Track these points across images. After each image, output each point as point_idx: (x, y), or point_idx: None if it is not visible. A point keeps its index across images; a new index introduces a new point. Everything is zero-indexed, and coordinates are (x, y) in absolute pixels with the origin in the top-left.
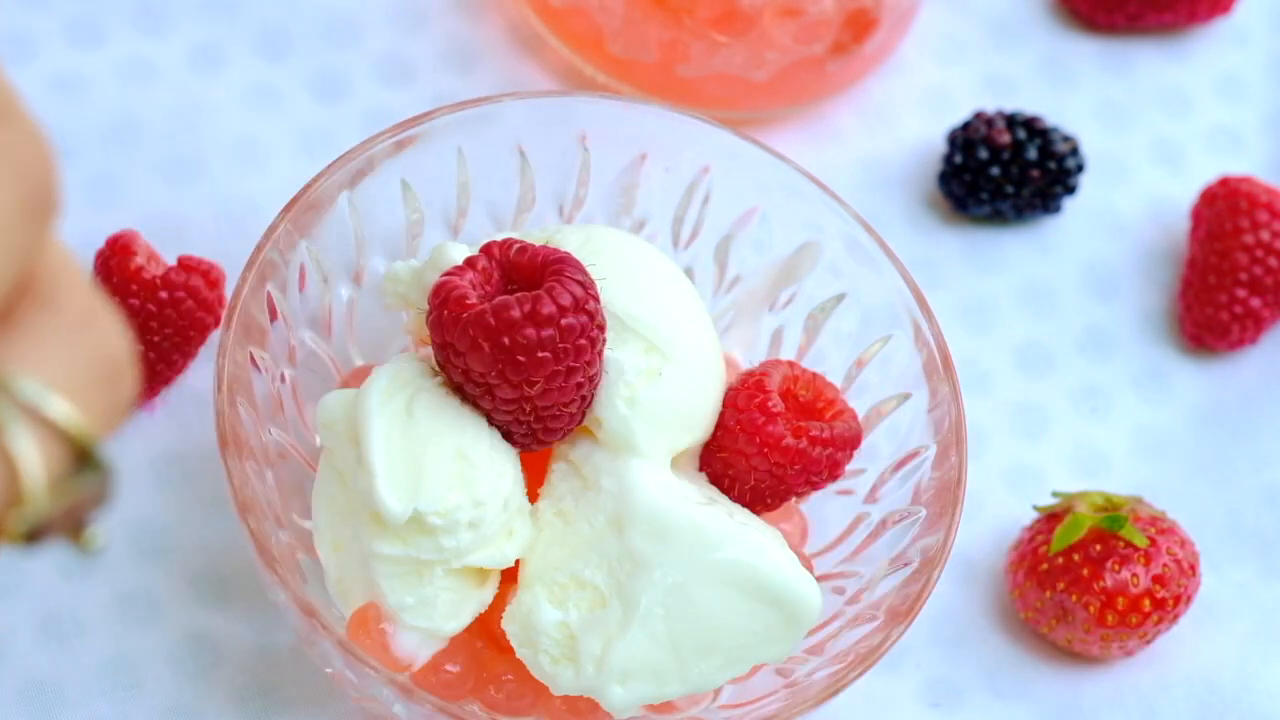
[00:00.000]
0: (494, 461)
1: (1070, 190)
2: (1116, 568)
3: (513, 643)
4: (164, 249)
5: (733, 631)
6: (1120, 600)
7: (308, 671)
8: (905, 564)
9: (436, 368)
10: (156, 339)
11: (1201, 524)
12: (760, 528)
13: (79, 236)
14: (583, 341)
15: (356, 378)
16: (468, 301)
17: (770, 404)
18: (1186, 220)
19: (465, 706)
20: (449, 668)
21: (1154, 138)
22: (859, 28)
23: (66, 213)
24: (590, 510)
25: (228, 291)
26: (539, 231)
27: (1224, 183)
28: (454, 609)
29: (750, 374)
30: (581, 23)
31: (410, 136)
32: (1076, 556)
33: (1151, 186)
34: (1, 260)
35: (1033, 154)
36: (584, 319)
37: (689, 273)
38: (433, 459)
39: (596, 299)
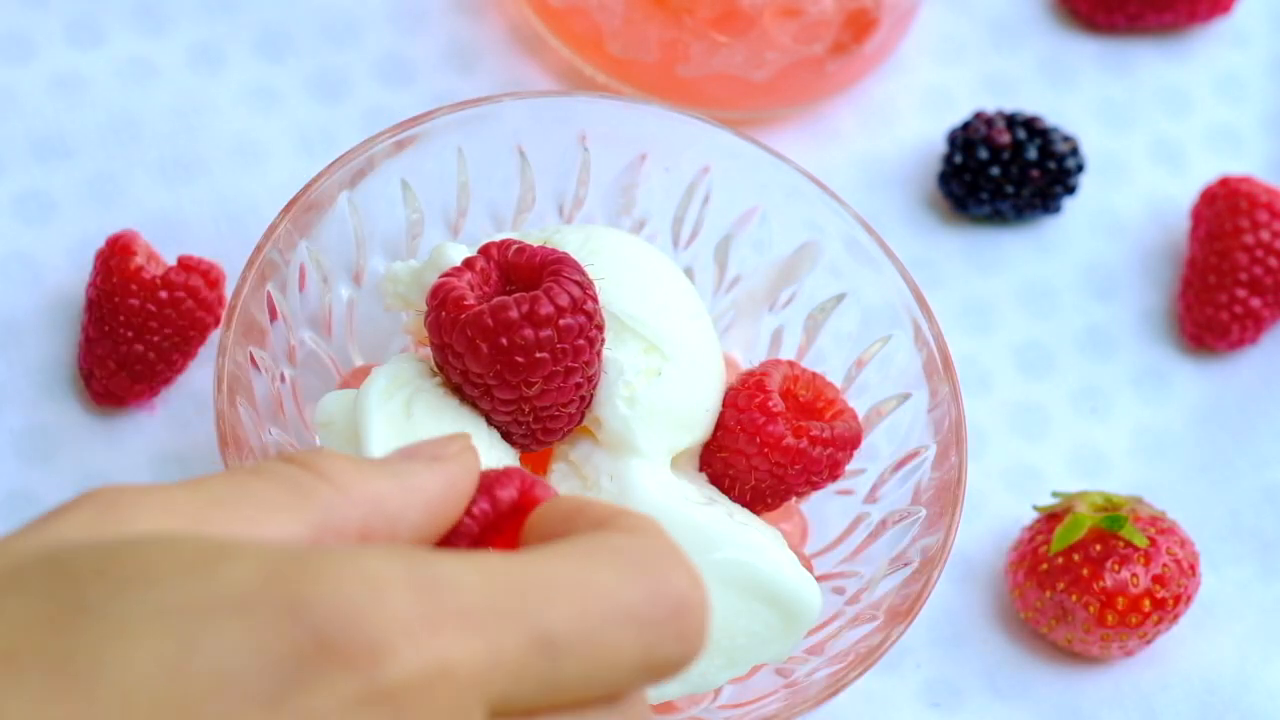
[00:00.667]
0: (490, 461)
1: (1070, 190)
2: (1116, 568)
3: None
4: (164, 249)
5: (732, 632)
6: (1120, 600)
7: None
8: (905, 564)
9: (436, 368)
10: (156, 339)
11: (1201, 524)
12: (760, 528)
13: (79, 236)
14: (581, 342)
15: (356, 378)
16: (465, 302)
17: (771, 404)
18: (1186, 220)
19: None
20: None
21: (1154, 138)
22: (859, 28)
23: (66, 213)
24: None
25: (228, 291)
26: (539, 231)
27: (1224, 183)
28: None
29: (750, 374)
30: (581, 23)
31: (410, 136)
32: (1076, 556)
33: (1151, 186)
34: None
35: (1033, 154)
36: (582, 319)
37: (689, 273)
38: None
39: (595, 299)
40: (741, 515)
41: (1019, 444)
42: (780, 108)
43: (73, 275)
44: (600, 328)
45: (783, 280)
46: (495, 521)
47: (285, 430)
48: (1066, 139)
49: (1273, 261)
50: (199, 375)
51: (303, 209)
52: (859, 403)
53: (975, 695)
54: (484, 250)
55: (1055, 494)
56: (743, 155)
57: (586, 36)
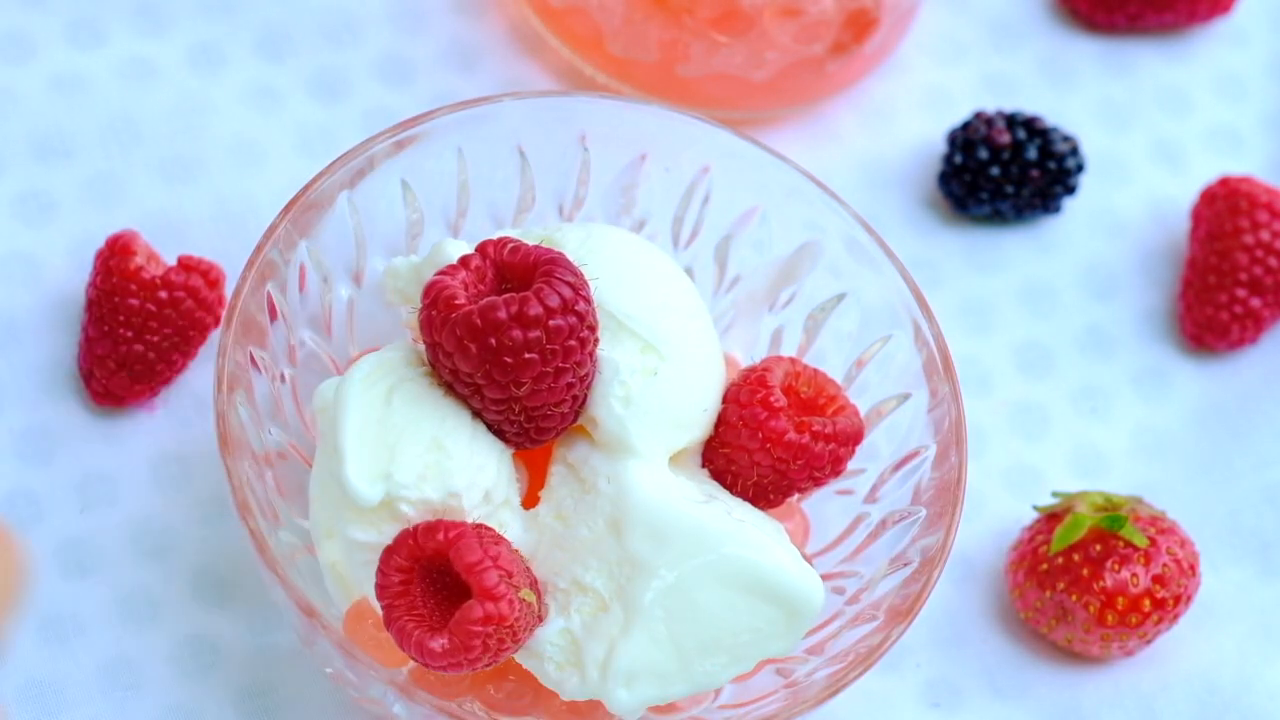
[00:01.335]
0: (473, 454)
1: (1070, 190)
2: (1116, 568)
3: (517, 653)
4: (164, 249)
5: (735, 629)
6: (1120, 600)
7: (308, 671)
8: (905, 564)
9: (426, 360)
10: (156, 339)
11: (1201, 524)
12: (762, 523)
13: (79, 236)
14: (571, 343)
15: None
16: (456, 302)
17: (773, 399)
18: (1186, 220)
19: (465, 706)
20: None
21: (1154, 138)
22: (859, 28)
23: (66, 213)
24: (589, 513)
25: (228, 291)
26: (540, 229)
27: (1224, 183)
28: None
29: (752, 370)
30: (581, 23)
31: (410, 136)
32: (1076, 556)
33: (1151, 186)
34: None
35: (1033, 154)
36: (573, 320)
37: (689, 273)
38: (406, 447)
39: (588, 300)
40: (742, 512)
41: (1019, 444)
42: (780, 108)
43: (73, 275)
44: (593, 328)
45: (783, 280)
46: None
47: (285, 430)
48: (1066, 139)
49: (1273, 261)
50: (199, 375)
51: (303, 209)
52: (859, 403)
53: (975, 695)
54: (480, 249)
55: (1055, 494)
56: (743, 155)
57: (586, 36)
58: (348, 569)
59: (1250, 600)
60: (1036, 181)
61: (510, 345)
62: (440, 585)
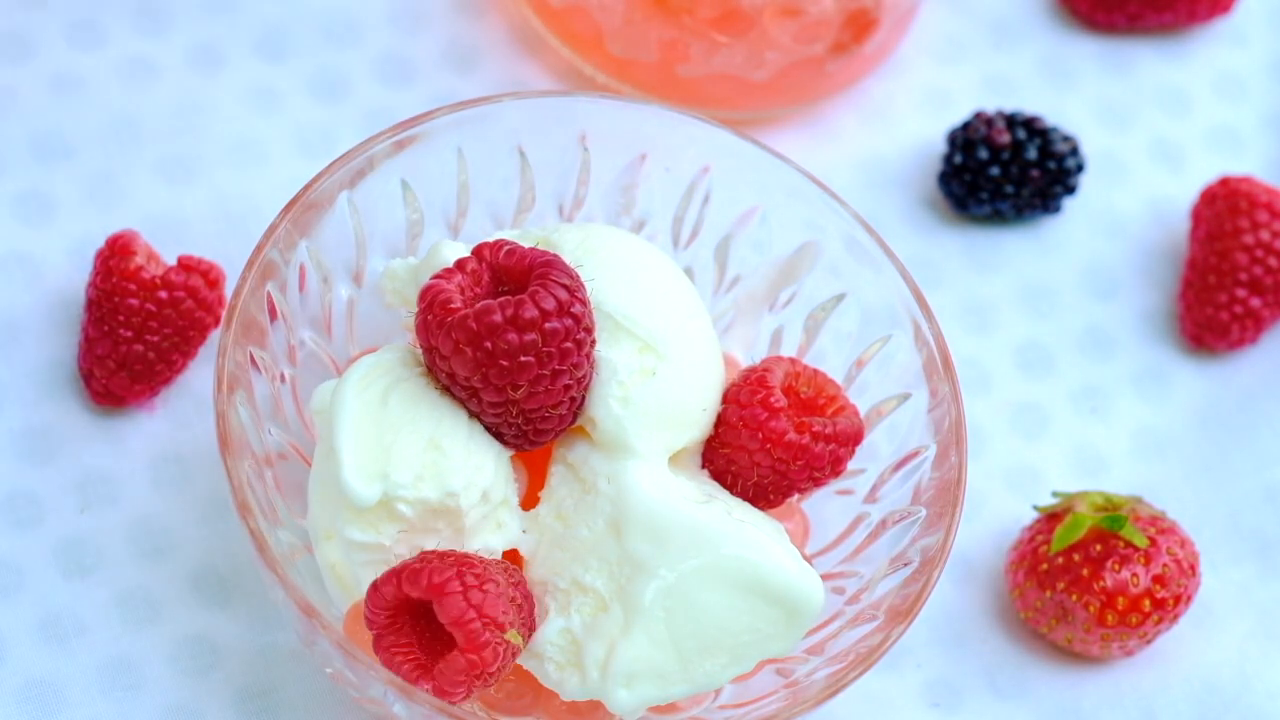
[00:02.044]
0: (470, 454)
1: (1070, 190)
2: (1116, 568)
3: None
4: (164, 249)
5: (735, 629)
6: (1120, 600)
7: (308, 671)
8: (905, 564)
9: (423, 360)
10: (156, 339)
11: (1201, 524)
12: (762, 523)
13: (79, 236)
14: (568, 345)
15: None
16: (451, 305)
17: (773, 399)
18: (1186, 220)
19: (465, 706)
20: None
21: (1154, 138)
22: (859, 28)
23: (66, 213)
24: (589, 514)
25: (228, 291)
26: (538, 230)
27: (1224, 183)
28: None
29: (752, 370)
30: (581, 23)
31: (410, 136)
32: (1076, 556)
33: (1151, 186)
34: None
35: (1033, 154)
36: (568, 322)
37: (689, 273)
38: (402, 447)
39: (584, 302)
40: (742, 512)
41: (1019, 444)
42: (780, 108)
43: (73, 275)
44: (589, 330)
45: (783, 280)
46: None
47: (285, 430)
48: (1066, 139)
49: (1273, 261)
50: (199, 375)
51: (303, 209)
52: (859, 403)
53: (975, 695)
54: (476, 251)
55: (1055, 494)
56: (743, 155)
57: (586, 36)
58: (347, 569)
59: (1250, 600)
60: (1036, 181)
61: (506, 349)
62: (428, 619)
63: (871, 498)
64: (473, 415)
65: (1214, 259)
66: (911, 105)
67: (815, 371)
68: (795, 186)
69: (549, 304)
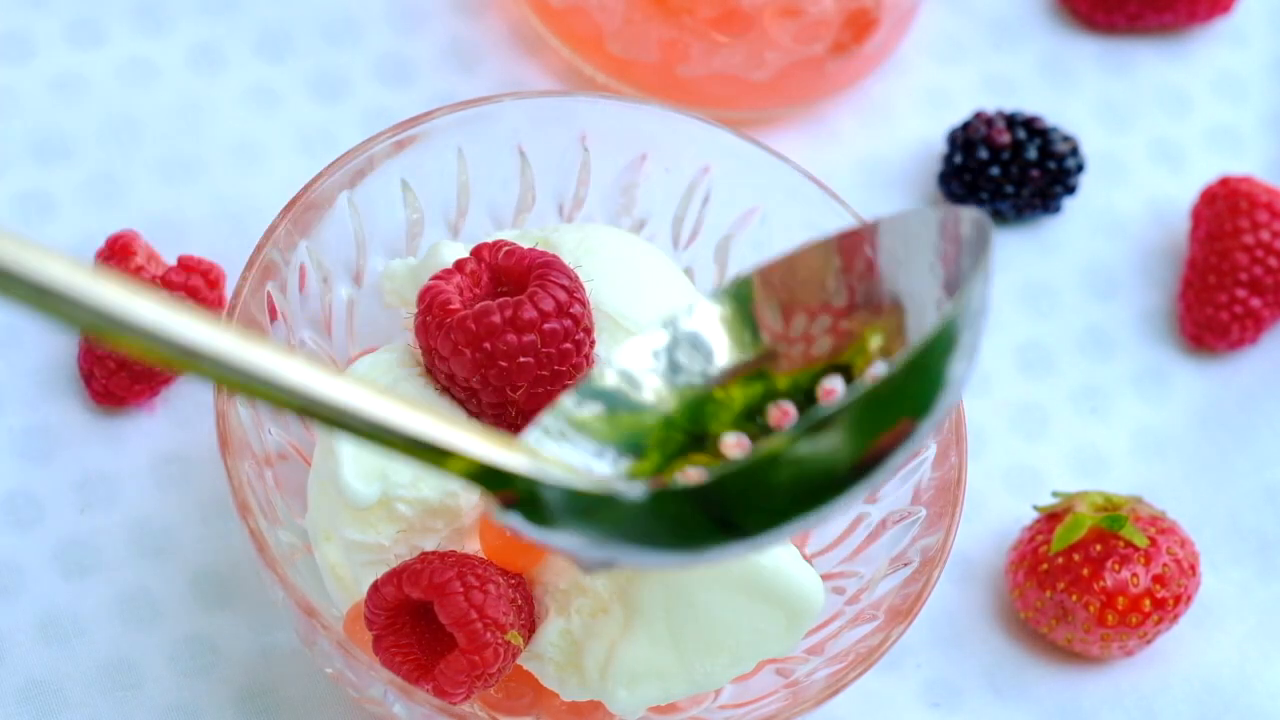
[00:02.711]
0: None
1: (1070, 190)
2: (1116, 568)
3: None
4: (164, 249)
5: (735, 630)
6: (1120, 600)
7: (308, 671)
8: (905, 564)
9: (421, 360)
10: None
11: (1201, 524)
12: None
13: (79, 236)
14: (567, 346)
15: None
16: (451, 307)
17: None
18: (1186, 220)
19: (465, 706)
20: None
21: (1154, 138)
22: (859, 28)
23: (66, 213)
24: None
25: (228, 291)
26: (538, 230)
27: (1224, 183)
28: None
29: None
30: (581, 23)
31: (410, 136)
32: (1076, 556)
33: (1151, 186)
34: None
35: (1033, 154)
36: (568, 323)
37: (689, 273)
38: None
39: (583, 303)
40: None
41: (1019, 444)
42: (780, 108)
43: None
44: (588, 331)
45: None
46: None
47: (285, 430)
48: (1066, 139)
49: (1273, 261)
50: None
51: (303, 209)
52: None
53: (975, 695)
54: (475, 252)
55: (1055, 494)
56: (743, 155)
57: (586, 36)
58: (347, 570)
59: (1250, 600)
60: (1036, 181)
61: (505, 350)
62: (428, 619)
63: (871, 498)
64: (472, 415)
65: (1214, 259)
66: (911, 105)
67: None
68: (795, 186)
69: (548, 305)
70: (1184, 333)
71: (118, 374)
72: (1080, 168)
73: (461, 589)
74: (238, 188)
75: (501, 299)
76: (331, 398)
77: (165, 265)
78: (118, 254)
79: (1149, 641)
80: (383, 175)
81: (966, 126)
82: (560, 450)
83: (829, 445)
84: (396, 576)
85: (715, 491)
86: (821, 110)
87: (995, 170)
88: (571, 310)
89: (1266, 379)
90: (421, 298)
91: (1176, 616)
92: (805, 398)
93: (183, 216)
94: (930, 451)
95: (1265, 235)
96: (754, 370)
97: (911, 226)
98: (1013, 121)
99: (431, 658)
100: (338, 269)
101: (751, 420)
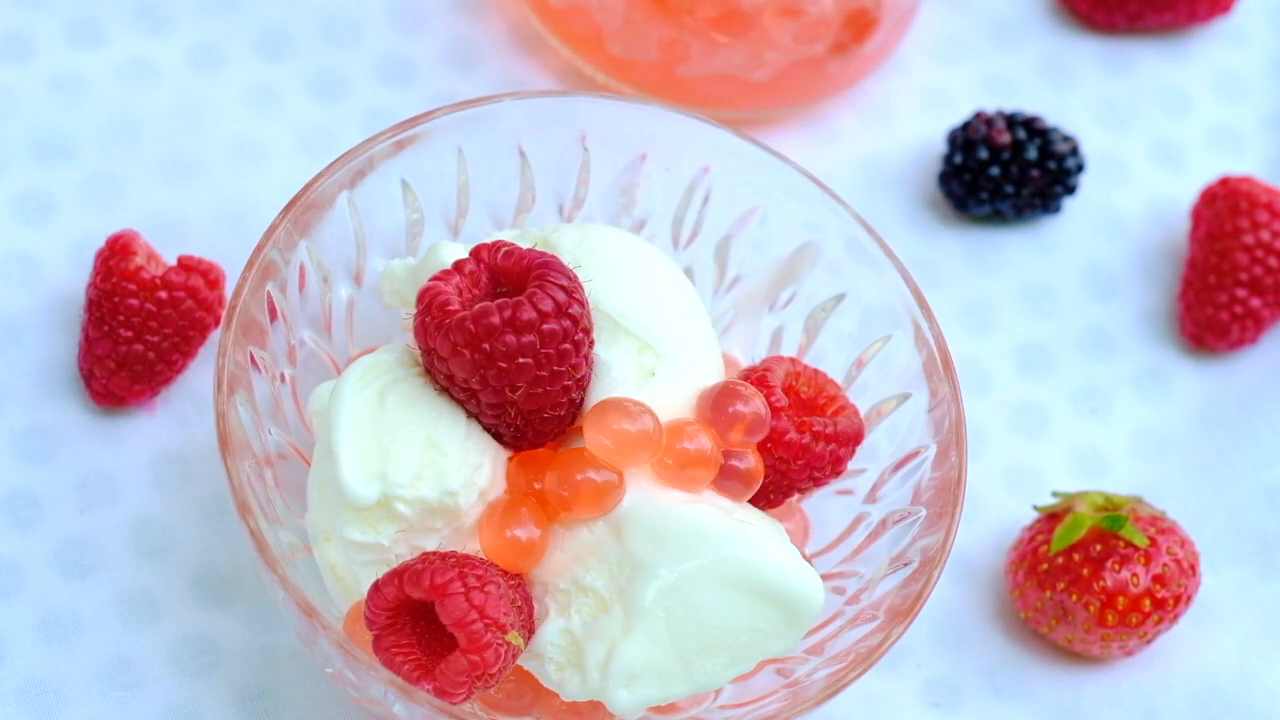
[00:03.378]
0: (469, 453)
1: (1070, 190)
2: (1116, 567)
3: None
4: (164, 249)
5: (736, 630)
6: (1120, 600)
7: (308, 671)
8: (905, 564)
9: (420, 360)
10: (156, 339)
11: (1201, 524)
12: (762, 523)
13: (79, 236)
14: (566, 346)
15: None
16: (450, 308)
17: (773, 399)
18: (1186, 220)
19: (465, 706)
20: None
21: (1154, 138)
22: (859, 28)
23: (66, 213)
24: None
25: (228, 291)
26: (537, 230)
27: (1224, 183)
28: None
29: (752, 370)
30: (581, 23)
31: (410, 136)
32: (1076, 556)
33: (1151, 186)
34: None
35: (1033, 154)
36: (566, 324)
37: (689, 273)
38: (400, 446)
39: (582, 303)
40: (742, 512)
41: (1019, 444)
42: (780, 108)
43: (73, 275)
44: (587, 331)
45: (783, 280)
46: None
47: (285, 430)
48: (1066, 139)
49: (1273, 261)
50: (199, 375)
51: (303, 209)
52: (859, 403)
53: (975, 695)
54: (475, 253)
55: (1055, 494)
56: (743, 155)
57: (586, 36)
58: (347, 570)
59: (1250, 600)
60: (1036, 181)
61: (504, 350)
62: (428, 620)
63: (871, 498)
64: (471, 415)
65: (1214, 259)
66: (911, 105)
67: (815, 371)
68: (795, 186)
69: (547, 305)
70: (1184, 333)
71: (118, 374)
72: (1080, 168)
73: (462, 589)
74: (238, 188)
75: (500, 300)
76: None
77: (165, 265)
78: (118, 254)
79: (1149, 641)
80: (383, 175)
81: (966, 126)
82: None
83: None
84: (397, 577)
85: None
86: (821, 110)
87: (995, 170)
88: (570, 311)
89: (1266, 379)
90: (421, 298)
91: (1176, 616)
92: None
93: (183, 216)
94: (930, 451)
95: (1265, 235)
96: None
97: None
98: (1013, 121)
99: (432, 658)
100: (338, 269)
101: None
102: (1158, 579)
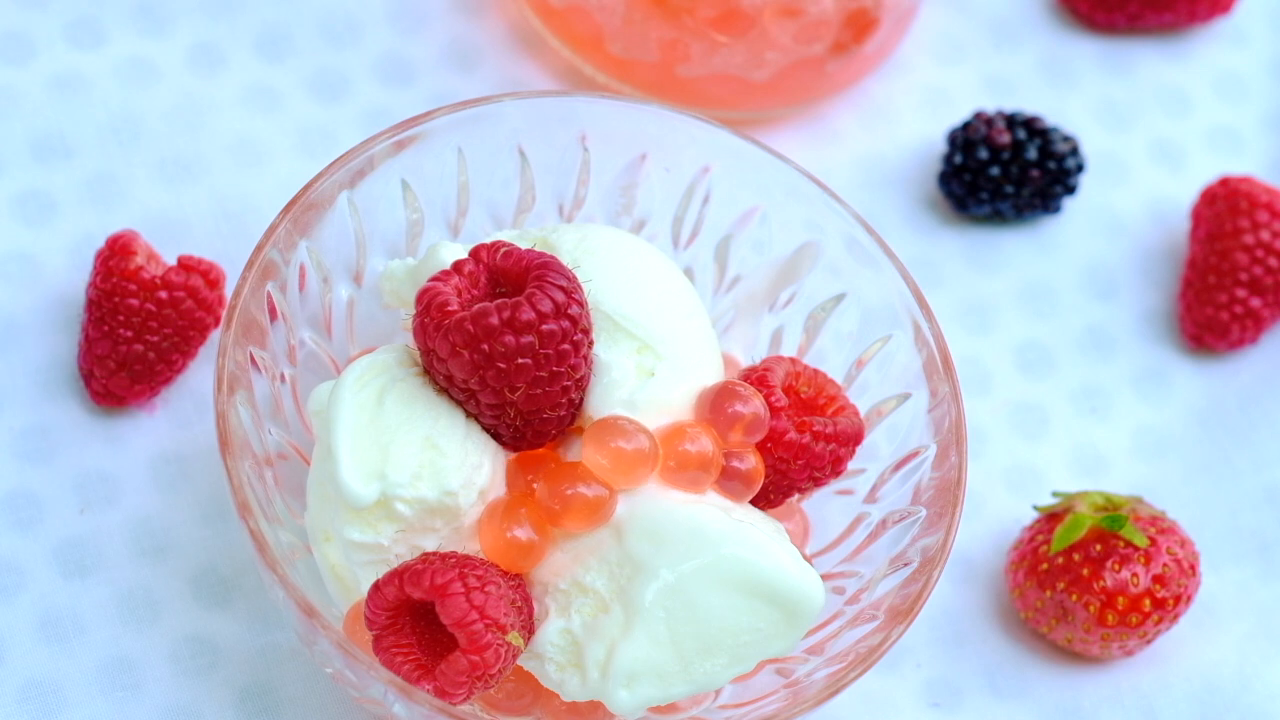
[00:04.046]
0: (468, 453)
1: (1070, 190)
2: (1116, 567)
3: None
4: (164, 249)
5: (736, 630)
6: (1120, 600)
7: (308, 671)
8: (905, 564)
9: (419, 360)
10: (156, 339)
11: (1201, 524)
12: (761, 523)
13: (79, 236)
14: (565, 347)
15: None
16: (449, 308)
17: (774, 399)
18: (1186, 220)
19: (465, 707)
20: None
21: (1154, 138)
22: (859, 28)
23: (66, 213)
24: None
25: (228, 291)
26: (537, 230)
27: (1224, 183)
28: None
29: (752, 370)
30: (581, 23)
31: (410, 136)
32: (1077, 556)
33: (1151, 186)
34: None
35: (1033, 154)
36: (565, 324)
37: (689, 273)
38: (400, 446)
39: (581, 303)
40: (742, 512)
41: (1019, 444)
42: (780, 108)
43: (73, 275)
44: (586, 331)
45: (783, 280)
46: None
47: (285, 430)
48: (1066, 139)
49: (1273, 261)
50: (199, 375)
51: (303, 209)
52: (859, 403)
53: (975, 695)
54: (474, 253)
55: (1055, 494)
56: (743, 155)
57: (586, 36)
58: (347, 570)
59: (1250, 600)
60: (1036, 181)
61: (503, 351)
62: (428, 620)
63: (871, 498)
64: (470, 416)
65: (1214, 259)
66: (911, 105)
67: (815, 371)
68: (795, 186)
69: (546, 306)
70: (1184, 333)
71: (118, 374)
72: (1080, 168)
73: (463, 590)
74: (238, 188)
75: (499, 300)
76: None
77: (165, 265)
78: (118, 254)
79: (1149, 641)
80: (383, 175)
81: (966, 126)
82: None
83: None
84: (397, 577)
85: None
86: (821, 110)
87: (995, 170)
88: (570, 311)
89: (1266, 379)
90: (420, 299)
91: (1176, 616)
92: None
93: (183, 216)
94: (930, 451)
95: (1265, 235)
96: None
97: None
98: (1013, 121)
99: (431, 658)
100: (338, 269)
101: None
102: (1158, 579)
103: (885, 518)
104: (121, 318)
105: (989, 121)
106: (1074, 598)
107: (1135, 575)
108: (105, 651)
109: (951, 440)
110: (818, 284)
